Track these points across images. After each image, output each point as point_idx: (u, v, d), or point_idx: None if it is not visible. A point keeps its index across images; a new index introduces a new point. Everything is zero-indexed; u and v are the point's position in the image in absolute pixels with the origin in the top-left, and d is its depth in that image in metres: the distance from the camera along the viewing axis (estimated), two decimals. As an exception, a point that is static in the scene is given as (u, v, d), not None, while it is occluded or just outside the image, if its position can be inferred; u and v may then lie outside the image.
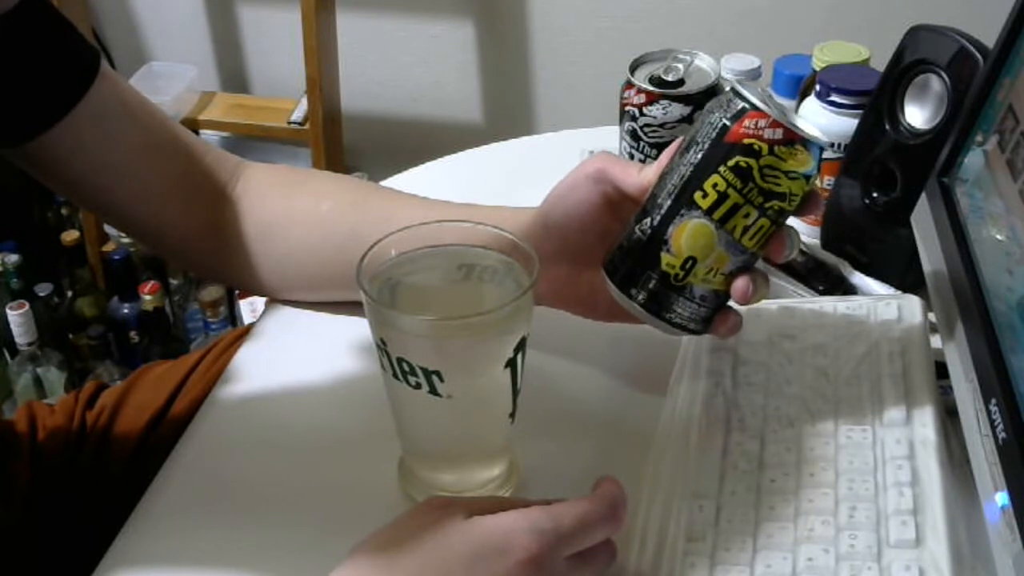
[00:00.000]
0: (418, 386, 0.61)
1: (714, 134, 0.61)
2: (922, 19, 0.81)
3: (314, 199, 0.79)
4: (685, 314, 0.65)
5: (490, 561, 0.53)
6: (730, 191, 0.61)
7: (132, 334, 1.96)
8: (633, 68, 0.82)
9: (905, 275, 0.81)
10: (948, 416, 0.67)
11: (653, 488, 0.65)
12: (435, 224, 0.66)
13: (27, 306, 1.79)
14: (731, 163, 0.61)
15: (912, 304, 0.73)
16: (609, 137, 0.88)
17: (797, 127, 0.61)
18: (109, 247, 2.05)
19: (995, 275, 0.64)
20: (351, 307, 0.77)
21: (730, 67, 1.01)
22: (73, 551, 0.73)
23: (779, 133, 0.60)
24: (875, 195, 0.83)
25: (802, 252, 0.87)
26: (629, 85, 0.80)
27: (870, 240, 0.85)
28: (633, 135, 0.81)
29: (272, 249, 0.79)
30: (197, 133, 2.05)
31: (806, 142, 0.61)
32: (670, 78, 0.80)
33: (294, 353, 0.81)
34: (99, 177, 0.75)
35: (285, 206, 0.79)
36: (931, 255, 0.71)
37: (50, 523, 0.82)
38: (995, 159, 0.66)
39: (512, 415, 0.65)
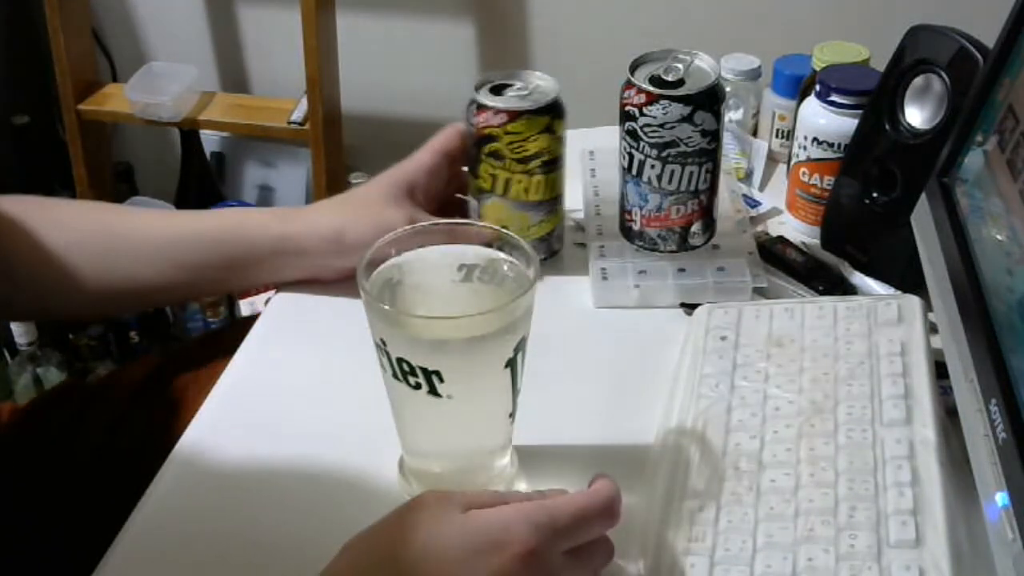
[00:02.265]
0: (418, 386, 0.61)
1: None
2: (922, 19, 0.81)
3: (60, 232, 0.80)
4: None
5: (487, 555, 0.53)
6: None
7: (132, 334, 1.97)
8: (633, 68, 0.82)
9: (905, 275, 0.81)
10: (948, 416, 0.67)
11: (653, 488, 0.65)
12: (435, 224, 0.66)
13: (27, 306, 1.79)
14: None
15: (912, 304, 0.73)
16: (609, 137, 0.88)
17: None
18: (109, 247, 2.04)
19: (995, 275, 0.64)
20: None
21: (730, 67, 1.01)
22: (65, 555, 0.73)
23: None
24: (875, 195, 0.83)
25: (802, 252, 0.87)
26: (629, 85, 0.80)
27: (870, 240, 0.85)
28: (633, 135, 0.81)
29: (50, 280, 0.79)
30: (197, 133, 2.06)
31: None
32: (670, 78, 0.80)
33: (294, 353, 0.81)
34: None
35: (38, 239, 0.79)
36: (931, 255, 0.71)
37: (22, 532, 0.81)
38: (995, 159, 0.66)
39: (512, 415, 0.65)
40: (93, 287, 0.80)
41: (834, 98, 0.86)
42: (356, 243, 0.78)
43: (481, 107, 0.81)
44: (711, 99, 0.79)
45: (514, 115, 0.80)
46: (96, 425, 0.86)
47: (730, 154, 0.98)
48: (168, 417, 0.82)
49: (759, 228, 0.92)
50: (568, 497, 0.57)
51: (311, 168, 1.96)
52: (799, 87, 0.96)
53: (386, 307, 0.61)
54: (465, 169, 0.86)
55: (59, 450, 0.85)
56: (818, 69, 0.92)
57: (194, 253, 0.81)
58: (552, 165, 0.83)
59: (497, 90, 0.83)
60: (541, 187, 0.83)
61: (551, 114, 0.81)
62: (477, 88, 0.82)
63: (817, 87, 0.88)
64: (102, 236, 0.81)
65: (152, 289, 0.82)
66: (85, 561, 0.65)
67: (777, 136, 1.01)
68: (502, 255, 0.65)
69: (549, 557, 0.54)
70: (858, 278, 0.85)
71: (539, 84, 0.83)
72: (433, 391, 0.60)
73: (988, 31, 0.72)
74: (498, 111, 0.80)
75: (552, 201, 0.85)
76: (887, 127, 0.81)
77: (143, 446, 0.83)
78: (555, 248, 0.88)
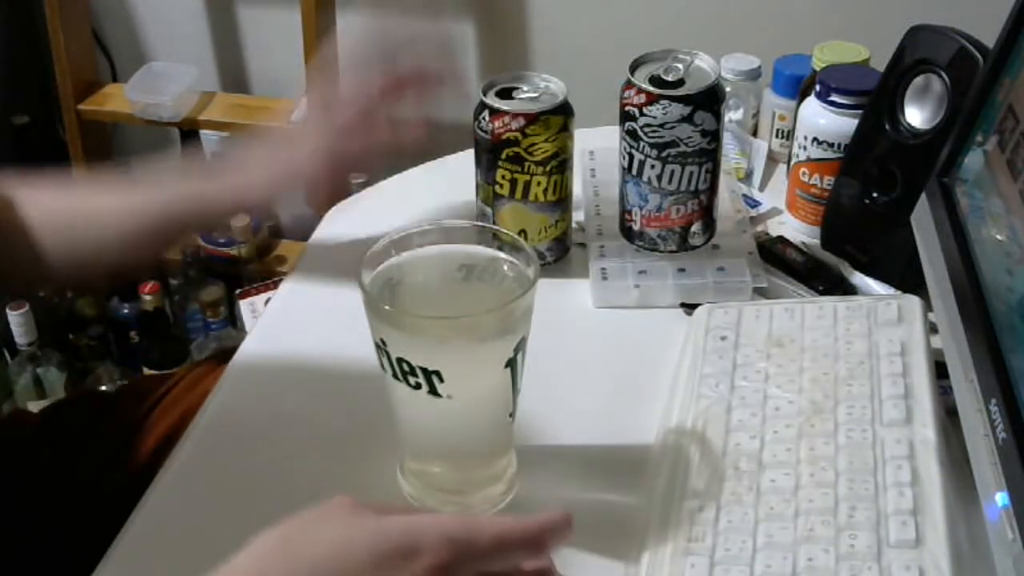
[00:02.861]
0: (418, 386, 0.61)
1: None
2: (922, 19, 0.81)
3: (31, 208, 0.82)
4: None
5: (394, 563, 0.50)
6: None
7: (132, 334, 1.96)
8: (633, 68, 0.82)
9: (905, 275, 0.81)
10: (948, 416, 0.67)
11: (653, 488, 0.65)
12: (435, 224, 0.66)
13: (27, 306, 1.79)
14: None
15: (912, 304, 0.73)
16: (609, 137, 0.88)
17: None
18: (109, 247, 2.04)
19: (995, 275, 0.64)
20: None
21: (730, 67, 1.01)
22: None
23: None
24: (875, 195, 0.83)
25: (802, 252, 0.87)
26: (629, 85, 0.80)
27: (870, 240, 0.85)
28: (633, 135, 0.81)
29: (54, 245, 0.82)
30: (197, 133, 2.06)
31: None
32: (670, 78, 0.80)
33: (294, 353, 0.81)
34: None
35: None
36: (931, 255, 0.71)
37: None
38: (995, 159, 0.66)
39: (512, 415, 0.65)
40: (62, 260, 0.83)
41: (834, 98, 0.86)
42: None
43: (496, 112, 0.81)
44: (711, 99, 0.79)
45: (532, 118, 0.80)
46: (106, 435, 0.86)
47: (730, 154, 0.98)
48: (178, 432, 0.83)
49: (759, 228, 0.92)
50: (494, 519, 0.55)
51: (311, 168, 1.95)
52: (799, 87, 0.96)
53: (386, 307, 0.61)
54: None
55: (65, 455, 0.85)
56: (818, 69, 0.92)
57: (155, 225, 0.84)
58: (567, 164, 0.84)
59: (503, 94, 0.82)
60: (558, 186, 0.84)
61: (565, 113, 0.81)
62: (484, 93, 0.82)
63: (817, 87, 0.88)
64: (68, 214, 0.84)
65: (118, 263, 0.86)
66: (85, 561, 0.65)
67: (777, 136, 1.01)
68: (502, 255, 0.65)
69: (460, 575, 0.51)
70: (858, 278, 0.85)
71: (547, 85, 0.83)
72: (433, 391, 0.60)
73: (988, 31, 0.72)
74: (516, 115, 0.80)
75: (566, 199, 0.86)
76: (887, 127, 0.81)
77: (149, 458, 0.83)
78: (568, 246, 0.89)
